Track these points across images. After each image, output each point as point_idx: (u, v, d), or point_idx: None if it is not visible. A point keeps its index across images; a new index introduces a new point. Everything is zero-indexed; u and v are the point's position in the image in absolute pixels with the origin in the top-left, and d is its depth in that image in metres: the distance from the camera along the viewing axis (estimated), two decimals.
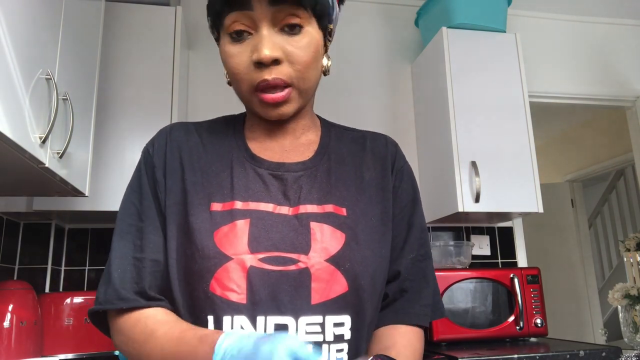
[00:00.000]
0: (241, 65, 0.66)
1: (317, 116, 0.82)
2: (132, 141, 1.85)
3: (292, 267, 0.65)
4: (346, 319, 0.67)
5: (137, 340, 0.64)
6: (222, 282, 0.64)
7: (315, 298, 0.65)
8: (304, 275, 0.65)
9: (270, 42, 0.64)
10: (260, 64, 0.65)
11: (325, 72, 0.74)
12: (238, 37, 0.66)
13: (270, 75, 0.65)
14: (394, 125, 2.53)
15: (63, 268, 2.07)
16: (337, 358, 0.66)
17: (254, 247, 0.65)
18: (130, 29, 1.94)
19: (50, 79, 1.20)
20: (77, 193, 1.47)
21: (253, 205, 0.69)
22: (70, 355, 1.68)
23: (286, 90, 0.67)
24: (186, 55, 2.27)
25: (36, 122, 1.14)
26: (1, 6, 0.97)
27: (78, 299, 1.74)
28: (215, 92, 2.32)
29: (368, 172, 0.77)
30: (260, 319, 0.63)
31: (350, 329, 0.67)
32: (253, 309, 0.64)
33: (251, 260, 0.65)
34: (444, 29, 2.26)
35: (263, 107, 0.68)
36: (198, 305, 0.66)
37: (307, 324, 0.64)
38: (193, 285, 0.66)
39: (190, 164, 0.72)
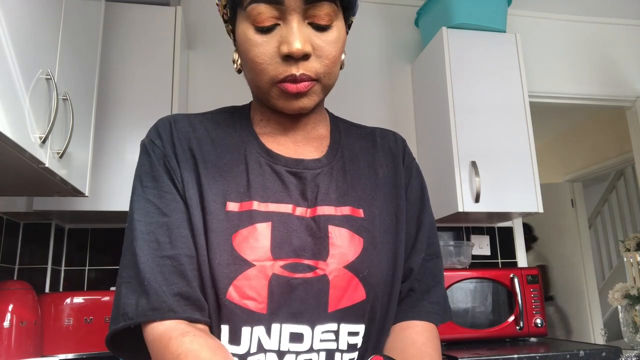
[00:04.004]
0: (266, 56, 0.61)
1: (325, 108, 0.78)
2: (132, 141, 1.85)
3: (310, 275, 0.63)
4: (361, 328, 0.65)
5: None
6: (242, 290, 0.60)
7: (332, 305, 0.63)
8: (322, 282, 0.63)
9: (301, 36, 0.60)
10: (289, 57, 0.61)
11: (342, 66, 0.70)
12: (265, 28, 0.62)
13: (298, 70, 0.61)
14: (394, 126, 2.53)
15: (63, 268, 2.07)
16: None
17: (276, 254, 0.62)
18: (130, 29, 1.94)
19: (50, 79, 1.20)
20: (77, 193, 1.47)
21: (273, 207, 0.65)
22: (70, 355, 1.68)
23: (310, 82, 0.63)
24: (186, 55, 2.27)
25: (36, 122, 1.14)
26: (1, 6, 0.97)
27: (78, 299, 1.74)
28: (215, 92, 2.32)
29: (381, 169, 0.74)
30: (275, 327, 0.61)
31: (362, 337, 0.65)
32: (271, 318, 0.61)
33: (273, 267, 0.61)
34: (444, 29, 2.26)
35: (283, 99, 0.64)
36: (211, 313, 0.62)
37: (322, 332, 0.62)
38: (205, 291, 0.61)
39: (202, 156, 0.66)
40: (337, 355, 0.63)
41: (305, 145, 0.71)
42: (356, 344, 0.65)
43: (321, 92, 0.66)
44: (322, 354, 0.62)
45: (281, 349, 0.61)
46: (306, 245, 0.64)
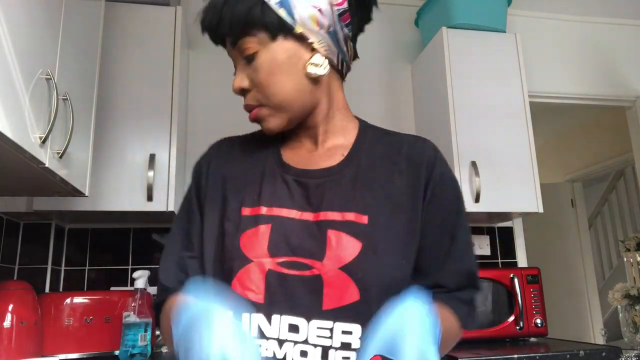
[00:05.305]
0: None
1: (357, 118, 0.86)
2: (132, 141, 1.85)
3: (307, 273, 0.69)
4: (355, 328, 0.67)
5: (163, 323, 0.74)
6: (243, 282, 0.70)
7: (327, 304, 0.68)
8: (317, 281, 0.69)
9: (238, 76, 0.75)
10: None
11: (312, 78, 0.74)
12: None
13: (246, 102, 0.76)
14: (394, 126, 2.49)
15: (63, 268, 2.07)
16: None
17: (273, 252, 0.70)
18: (130, 29, 1.94)
19: (50, 79, 1.20)
20: (77, 193, 1.47)
21: (277, 211, 0.73)
22: (70, 355, 1.68)
23: (255, 109, 0.75)
24: (186, 55, 2.27)
25: (36, 122, 1.14)
26: (1, 6, 0.97)
27: (78, 299, 1.74)
28: (215, 92, 2.32)
29: (400, 178, 0.75)
30: (275, 317, 0.68)
31: (360, 339, 0.67)
32: (269, 308, 0.69)
33: (269, 263, 0.70)
34: (444, 29, 2.26)
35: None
36: None
37: (318, 328, 0.68)
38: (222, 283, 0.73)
39: (230, 173, 0.80)
40: (332, 352, 0.67)
41: (320, 155, 0.79)
42: (350, 344, 0.67)
43: (276, 112, 0.75)
44: (318, 350, 0.67)
45: (280, 337, 0.68)
46: (304, 246, 0.71)
